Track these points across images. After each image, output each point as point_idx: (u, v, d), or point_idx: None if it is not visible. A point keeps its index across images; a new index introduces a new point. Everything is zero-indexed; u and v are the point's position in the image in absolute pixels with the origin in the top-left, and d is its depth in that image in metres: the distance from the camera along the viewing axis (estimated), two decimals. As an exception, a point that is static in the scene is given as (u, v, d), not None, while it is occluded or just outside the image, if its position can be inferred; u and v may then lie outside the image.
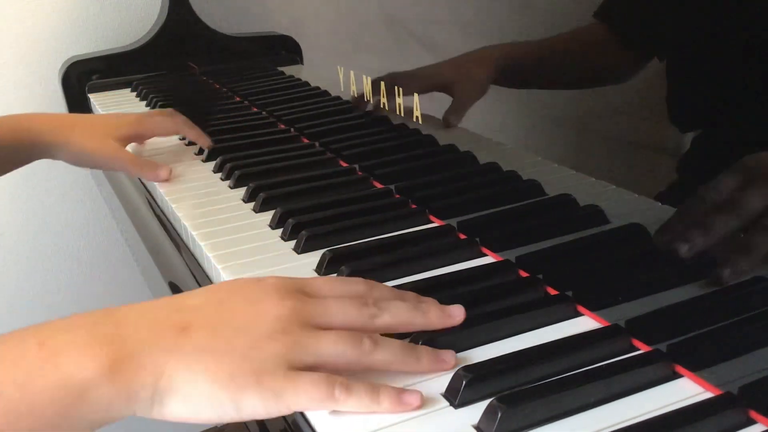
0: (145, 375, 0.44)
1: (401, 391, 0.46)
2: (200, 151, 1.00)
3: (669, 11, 0.57)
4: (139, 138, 0.99)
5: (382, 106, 0.90)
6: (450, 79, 0.79)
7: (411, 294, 0.54)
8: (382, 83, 0.89)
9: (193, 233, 0.75)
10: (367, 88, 0.92)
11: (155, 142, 1.04)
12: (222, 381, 0.44)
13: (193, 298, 0.49)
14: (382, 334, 0.50)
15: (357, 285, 0.53)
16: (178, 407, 0.44)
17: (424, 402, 0.46)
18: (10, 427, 0.41)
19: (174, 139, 1.06)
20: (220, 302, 0.48)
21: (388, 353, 0.48)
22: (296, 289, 0.50)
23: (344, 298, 0.50)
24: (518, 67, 0.72)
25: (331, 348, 0.46)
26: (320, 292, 0.51)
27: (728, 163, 0.53)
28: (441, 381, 0.48)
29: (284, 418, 0.50)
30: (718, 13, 0.53)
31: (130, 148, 0.98)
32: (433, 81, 0.82)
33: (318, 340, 0.47)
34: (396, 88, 0.86)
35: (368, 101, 0.93)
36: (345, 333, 0.47)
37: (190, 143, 1.04)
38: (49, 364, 0.43)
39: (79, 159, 0.92)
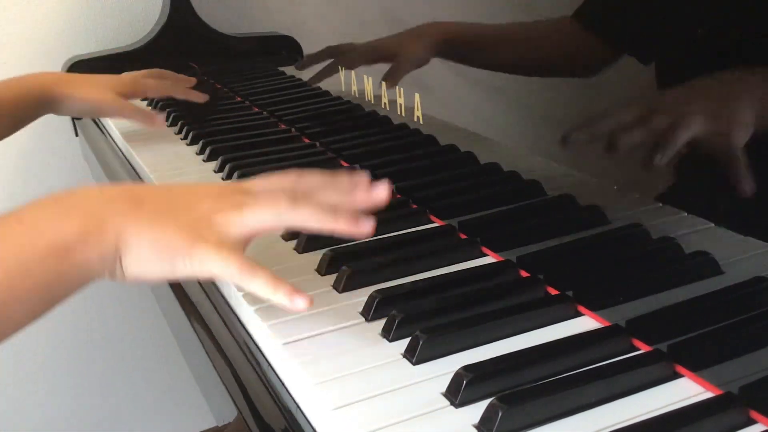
0: (107, 236, 0.52)
1: (296, 291, 0.51)
2: (201, 151, 1.00)
3: (649, 14, 0.57)
4: (134, 95, 1.06)
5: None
6: (393, 50, 0.85)
7: (343, 180, 0.58)
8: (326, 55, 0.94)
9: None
10: (368, 87, 0.92)
11: (158, 145, 1.04)
12: (162, 245, 0.53)
13: (142, 184, 0.58)
14: None
15: (287, 179, 0.58)
16: (131, 266, 0.53)
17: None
18: (11, 291, 0.49)
19: (176, 140, 1.06)
20: (169, 188, 0.59)
21: (307, 211, 0.54)
22: (235, 187, 0.58)
23: (274, 190, 0.57)
24: (464, 45, 0.77)
25: (252, 215, 0.54)
26: (253, 188, 0.58)
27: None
28: (441, 381, 0.48)
29: (284, 417, 0.50)
30: (697, 14, 0.54)
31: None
32: (377, 53, 0.88)
33: (243, 214, 0.54)
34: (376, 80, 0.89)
35: (369, 101, 0.93)
36: (266, 203, 0.55)
37: (190, 143, 1.04)
38: (33, 233, 0.50)
39: (82, 109, 1.02)
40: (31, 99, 0.97)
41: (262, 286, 0.52)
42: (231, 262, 0.52)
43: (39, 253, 0.50)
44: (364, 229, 0.55)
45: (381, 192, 0.57)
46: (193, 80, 1.13)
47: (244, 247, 0.55)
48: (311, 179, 0.58)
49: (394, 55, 0.84)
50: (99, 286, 0.55)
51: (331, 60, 1.00)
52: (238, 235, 0.54)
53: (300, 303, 0.51)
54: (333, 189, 0.57)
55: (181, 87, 1.11)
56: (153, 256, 0.53)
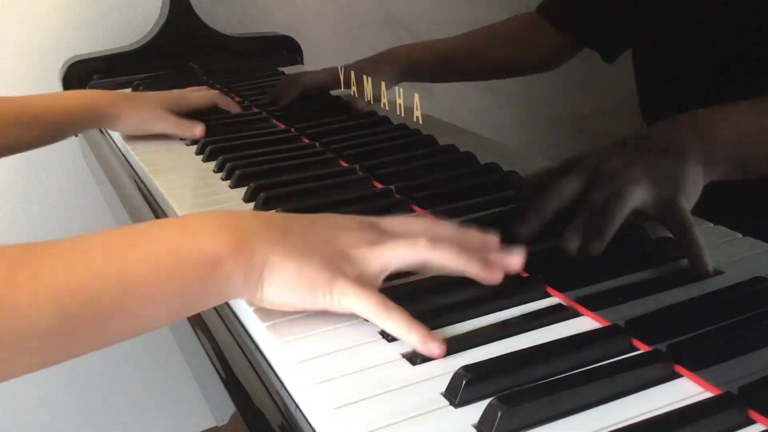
0: (255, 260, 0.53)
1: (431, 335, 0.52)
2: (200, 151, 1.00)
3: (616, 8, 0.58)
4: (181, 109, 1.10)
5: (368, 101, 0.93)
6: (365, 73, 0.88)
7: (474, 236, 0.60)
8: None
9: (194, 233, 0.75)
10: (368, 88, 0.92)
11: (157, 145, 1.04)
12: (306, 277, 0.54)
13: (291, 216, 0.60)
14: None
15: (423, 223, 0.61)
16: (272, 293, 0.54)
17: (445, 352, 0.51)
18: (161, 285, 0.51)
19: (175, 140, 1.06)
20: (312, 220, 0.59)
21: (446, 252, 0.56)
22: (371, 223, 0.60)
23: (411, 231, 0.59)
24: (426, 65, 0.80)
25: (392, 252, 0.56)
26: (389, 227, 0.60)
27: None
28: (441, 381, 0.48)
29: (283, 417, 0.50)
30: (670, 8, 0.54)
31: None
32: (356, 74, 0.90)
33: (384, 251, 0.56)
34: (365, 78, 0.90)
35: (369, 101, 0.93)
36: (405, 242, 0.57)
37: (191, 143, 1.04)
38: (191, 240, 0.53)
39: (133, 127, 1.06)
40: (82, 115, 1.02)
41: (396, 326, 0.53)
42: (368, 299, 0.54)
43: (193, 259, 0.52)
44: (497, 276, 0.57)
45: (515, 262, 0.59)
46: (236, 107, 1.16)
47: (380, 284, 0.57)
48: (445, 228, 0.60)
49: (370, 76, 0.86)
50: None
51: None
52: (376, 272, 0.56)
53: (434, 348, 0.51)
54: (465, 242, 0.59)
55: (224, 97, 1.15)
56: (295, 286, 0.54)
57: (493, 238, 0.60)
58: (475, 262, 0.57)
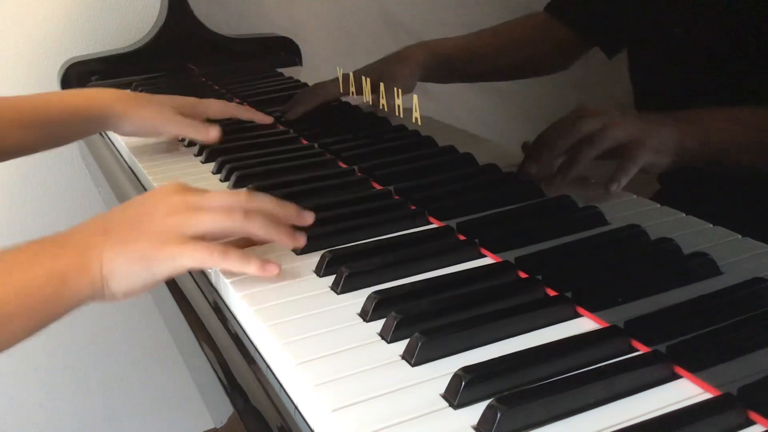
0: (94, 268, 0.61)
1: (267, 261, 0.62)
2: (199, 153, 1.00)
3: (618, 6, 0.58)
4: (194, 116, 1.03)
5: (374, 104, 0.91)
6: (378, 76, 0.87)
7: (290, 209, 0.68)
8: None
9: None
10: (366, 89, 0.92)
11: (157, 149, 1.04)
12: (137, 258, 0.61)
13: (109, 212, 0.67)
14: None
15: (235, 197, 0.66)
16: (117, 285, 0.61)
17: (282, 273, 0.63)
18: (18, 305, 0.59)
19: (175, 143, 1.06)
20: (124, 208, 0.66)
21: (256, 225, 0.64)
22: (186, 187, 0.66)
23: (221, 205, 0.64)
24: (446, 63, 0.79)
25: (210, 221, 0.63)
26: (206, 193, 0.66)
27: None
28: (440, 382, 0.48)
29: (282, 418, 0.50)
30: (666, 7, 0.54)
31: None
32: (375, 76, 0.88)
33: (199, 216, 0.63)
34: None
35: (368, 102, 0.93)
36: (221, 210, 0.64)
37: (190, 144, 1.04)
38: (35, 262, 0.61)
39: (141, 128, 1.00)
40: (86, 115, 0.96)
41: (235, 262, 0.62)
42: (199, 251, 0.61)
43: (40, 279, 0.60)
44: (301, 242, 0.67)
45: (301, 241, 0.67)
46: (266, 118, 1.09)
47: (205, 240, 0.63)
48: (261, 201, 0.67)
49: (385, 81, 0.85)
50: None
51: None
52: (195, 233, 0.62)
53: (272, 269, 0.62)
54: (278, 214, 0.67)
55: (245, 109, 1.09)
56: (131, 271, 0.61)
57: (308, 214, 0.69)
58: (282, 231, 0.65)
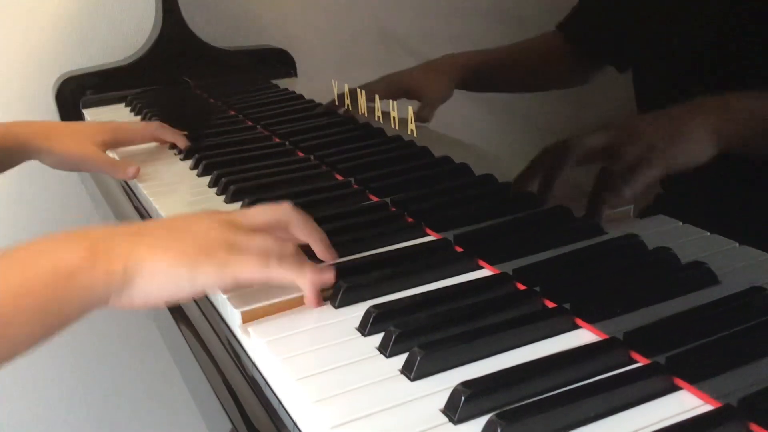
0: (114, 263, 0.54)
1: (322, 269, 0.59)
2: (195, 166, 1.00)
3: (628, 26, 0.58)
4: (118, 144, 1.04)
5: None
6: (415, 85, 0.84)
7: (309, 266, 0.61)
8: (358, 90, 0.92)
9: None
10: (361, 101, 0.92)
11: (152, 161, 1.04)
12: (178, 257, 0.55)
13: (138, 222, 0.61)
14: None
15: (267, 241, 0.61)
16: (144, 287, 0.55)
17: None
18: (15, 307, 0.51)
19: (170, 155, 1.06)
20: (160, 219, 0.64)
21: (287, 270, 0.59)
22: (229, 221, 0.61)
23: (261, 236, 0.60)
24: (480, 73, 0.78)
25: (258, 242, 0.59)
26: (245, 233, 0.61)
27: None
28: (439, 397, 0.48)
29: (271, 417, 0.50)
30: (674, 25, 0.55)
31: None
32: (400, 87, 0.87)
33: (248, 236, 0.59)
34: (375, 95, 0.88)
35: (362, 114, 0.93)
36: (265, 244, 0.59)
37: (185, 158, 1.04)
38: (39, 257, 0.53)
39: (61, 162, 0.98)
40: (11, 149, 0.95)
41: (288, 271, 0.58)
42: (251, 259, 0.57)
43: (42, 275, 0.52)
44: (327, 278, 0.61)
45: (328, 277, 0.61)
46: (184, 141, 1.06)
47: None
48: (288, 243, 0.62)
49: (417, 93, 0.84)
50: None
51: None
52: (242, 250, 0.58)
53: (329, 277, 0.60)
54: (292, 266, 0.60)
55: (169, 129, 1.06)
56: (168, 274, 0.55)
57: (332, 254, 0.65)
58: (307, 276, 0.59)
